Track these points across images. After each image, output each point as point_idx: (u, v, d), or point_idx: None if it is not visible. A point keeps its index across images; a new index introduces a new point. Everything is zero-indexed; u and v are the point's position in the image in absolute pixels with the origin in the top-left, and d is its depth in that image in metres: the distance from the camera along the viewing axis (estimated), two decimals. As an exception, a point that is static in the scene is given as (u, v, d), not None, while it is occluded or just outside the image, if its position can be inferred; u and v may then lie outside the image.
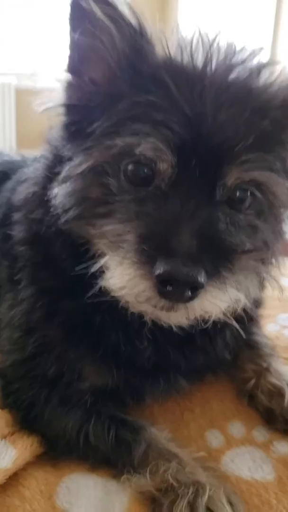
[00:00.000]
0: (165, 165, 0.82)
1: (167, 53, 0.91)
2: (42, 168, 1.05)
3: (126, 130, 0.82)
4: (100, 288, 0.85)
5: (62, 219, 0.90)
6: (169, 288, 0.75)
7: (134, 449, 0.95)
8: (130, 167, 0.85)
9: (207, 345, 1.06)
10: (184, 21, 5.65)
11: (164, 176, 0.83)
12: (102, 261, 0.84)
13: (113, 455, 0.96)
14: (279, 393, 1.09)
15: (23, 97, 5.47)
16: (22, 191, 1.11)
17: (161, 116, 0.81)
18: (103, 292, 0.85)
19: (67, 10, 0.92)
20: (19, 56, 5.63)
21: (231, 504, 0.86)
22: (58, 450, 0.99)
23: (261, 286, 1.04)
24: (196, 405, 1.14)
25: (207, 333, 1.02)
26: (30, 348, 1.03)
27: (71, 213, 0.89)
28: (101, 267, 0.85)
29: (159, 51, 0.92)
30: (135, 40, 0.90)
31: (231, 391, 1.18)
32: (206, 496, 0.85)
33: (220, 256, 0.80)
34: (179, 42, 0.92)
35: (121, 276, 0.80)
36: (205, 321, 0.87)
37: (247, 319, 1.00)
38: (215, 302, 0.80)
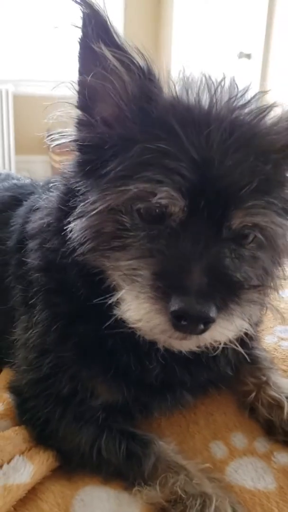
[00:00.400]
0: (177, 208, 0.88)
1: (175, 95, 0.97)
2: (55, 199, 1.10)
3: (139, 176, 0.88)
4: (116, 318, 0.91)
5: (78, 252, 0.96)
6: (183, 322, 0.81)
7: (144, 462, 1.01)
8: (142, 208, 0.90)
9: (211, 362, 1.12)
10: (178, 41, 5.75)
11: (175, 218, 0.89)
12: (119, 294, 0.90)
13: (125, 468, 1.02)
14: (278, 405, 1.14)
15: (21, 103, 5.54)
16: (36, 220, 1.16)
17: (172, 163, 0.86)
18: (119, 321, 0.91)
19: (76, 46, 0.96)
20: (16, 63, 5.67)
21: None
22: (73, 464, 1.05)
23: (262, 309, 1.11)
24: (200, 418, 1.20)
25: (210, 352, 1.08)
26: (45, 368, 1.09)
27: (86, 246, 0.95)
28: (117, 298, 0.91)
29: (167, 93, 0.97)
30: (144, 83, 0.95)
31: (233, 403, 1.24)
32: (213, 507, 0.91)
33: (228, 291, 0.86)
34: (184, 84, 0.98)
35: (138, 309, 0.86)
36: (214, 348, 0.94)
37: (247, 338, 1.06)
38: (223, 332, 0.87)
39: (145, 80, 0.95)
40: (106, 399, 1.09)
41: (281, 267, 1.04)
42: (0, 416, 1.13)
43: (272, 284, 1.02)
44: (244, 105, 0.96)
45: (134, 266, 0.88)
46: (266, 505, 0.98)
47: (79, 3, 0.91)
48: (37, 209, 1.20)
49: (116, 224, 0.93)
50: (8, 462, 1.01)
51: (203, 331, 0.83)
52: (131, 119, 0.94)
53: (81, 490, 1.00)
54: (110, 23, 0.93)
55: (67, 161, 1.08)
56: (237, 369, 1.24)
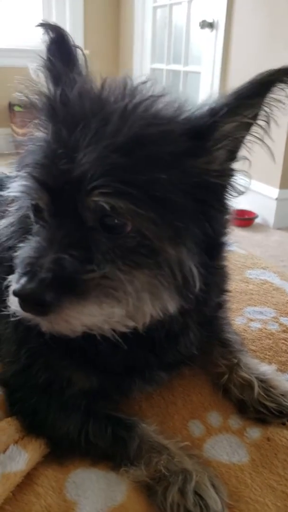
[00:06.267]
0: (42, 202, 0.97)
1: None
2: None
3: (19, 174, 1.00)
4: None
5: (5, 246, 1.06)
6: (20, 303, 0.89)
7: (129, 444, 1.09)
8: (32, 205, 1.00)
9: (173, 345, 1.19)
10: None
11: (46, 210, 0.97)
12: (6, 281, 0.97)
13: (111, 451, 1.11)
14: (249, 385, 1.25)
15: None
16: None
17: (34, 159, 0.97)
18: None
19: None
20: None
21: (214, 486, 1.02)
22: (63, 449, 1.13)
23: (220, 292, 1.26)
24: (178, 399, 1.30)
25: (171, 335, 1.15)
26: (23, 359, 1.16)
27: (9, 243, 1.05)
28: None
29: None
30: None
31: (208, 384, 1.34)
32: (194, 482, 1.01)
33: (79, 275, 0.90)
34: None
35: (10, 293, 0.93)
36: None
37: (210, 320, 1.22)
38: (77, 316, 0.90)
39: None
40: (83, 387, 1.16)
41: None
42: (-7, 409, 1.20)
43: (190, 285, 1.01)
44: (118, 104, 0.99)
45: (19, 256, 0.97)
46: (240, 477, 1.09)
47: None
48: None
49: (27, 220, 1.04)
50: (4, 452, 1.07)
51: (44, 312, 0.89)
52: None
53: (72, 473, 1.08)
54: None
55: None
56: (210, 351, 1.35)
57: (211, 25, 4.79)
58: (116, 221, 0.92)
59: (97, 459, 1.12)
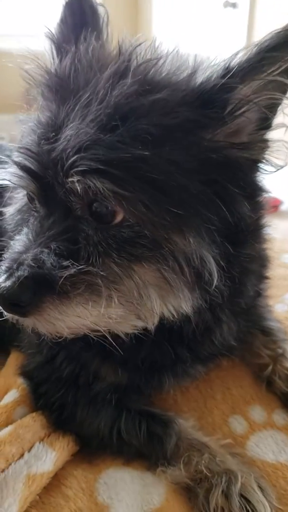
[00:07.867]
0: (30, 190, 0.88)
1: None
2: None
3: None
4: None
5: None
6: None
7: (166, 442, 1.00)
8: (26, 193, 0.93)
9: (206, 338, 1.06)
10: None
11: (35, 198, 0.88)
12: None
13: (146, 449, 1.01)
14: None
15: (-1, 60, 5.32)
16: None
17: (19, 148, 0.87)
18: None
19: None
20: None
21: (261, 488, 0.92)
22: (93, 447, 1.04)
23: (258, 279, 1.13)
24: (217, 392, 1.19)
25: (201, 329, 1.01)
26: (46, 350, 1.08)
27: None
28: None
29: None
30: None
31: (248, 376, 1.23)
32: (239, 484, 0.91)
33: (52, 273, 0.80)
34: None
35: None
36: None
37: (248, 310, 1.09)
38: (61, 317, 0.81)
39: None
40: (113, 380, 1.06)
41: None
42: (17, 403, 1.10)
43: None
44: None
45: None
46: (289, 478, 0.98)
47: None
48: None
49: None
50: (29, 450, 0.99)
51: (23, 313, 0.80)
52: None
53: (103, 473, 0.99)
54: None
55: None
56: (251, 340, 1.23)
57: (234, 5, 4.63)
58: (108, 208, 0.80)
59: (130, 458, 1.02)
